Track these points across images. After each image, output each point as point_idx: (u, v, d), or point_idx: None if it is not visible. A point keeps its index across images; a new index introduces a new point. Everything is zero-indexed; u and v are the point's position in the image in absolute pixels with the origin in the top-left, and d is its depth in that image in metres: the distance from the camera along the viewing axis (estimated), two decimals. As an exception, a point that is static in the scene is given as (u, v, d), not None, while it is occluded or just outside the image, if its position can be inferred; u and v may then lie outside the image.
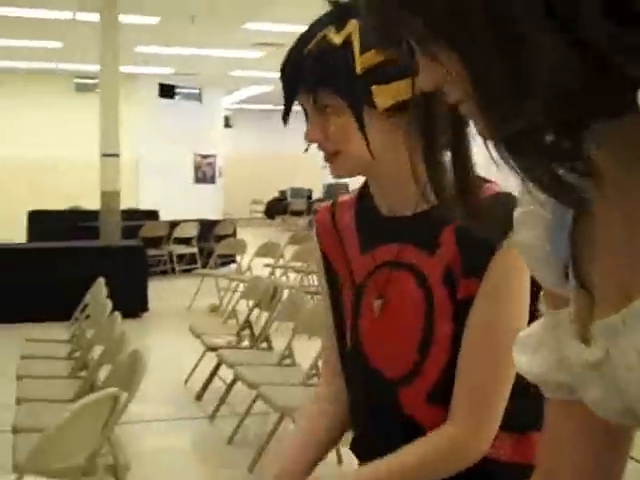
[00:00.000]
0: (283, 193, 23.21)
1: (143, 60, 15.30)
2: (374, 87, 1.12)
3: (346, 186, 22.00)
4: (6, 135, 16.66)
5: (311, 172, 23.33)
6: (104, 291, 5.46)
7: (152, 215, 13.38)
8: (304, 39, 1.15)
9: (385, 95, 1.12)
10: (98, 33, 10.70)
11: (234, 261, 10.47)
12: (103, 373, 4.28)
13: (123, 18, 10.78)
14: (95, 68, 14.42)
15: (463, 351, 1.13)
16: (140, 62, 15.32)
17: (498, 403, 1.14)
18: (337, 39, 1.12)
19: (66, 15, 11.72)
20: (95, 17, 10.70)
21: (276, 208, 22.43)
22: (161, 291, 9.16)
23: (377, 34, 0.66)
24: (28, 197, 15.31)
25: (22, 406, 4.09)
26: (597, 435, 0.75)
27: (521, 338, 0.79)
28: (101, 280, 5.78)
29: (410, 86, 1.09)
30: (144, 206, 14.72)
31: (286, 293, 5.88)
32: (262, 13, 11.55)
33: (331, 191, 21.66)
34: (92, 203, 13.00)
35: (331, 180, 21.66)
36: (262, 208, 23.58)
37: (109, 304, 4.92)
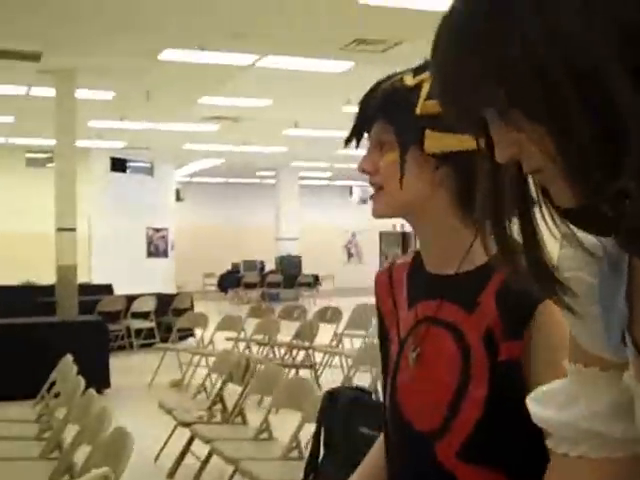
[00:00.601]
0: (236, 266, 23.16)
1: (96, 134, 15.35)
2: (427, 131, 1.20)
3: (299, 258, 22.11)
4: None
5: (263, 245, 23.44)
6: (74, 368, 5.39)
7: (106, 289, 13.22)
8: (387, 78, 1.27)
9: (435, 141, 1.20)
10: (53, 108, 10.75)
11: (192, 335, 10.40)
12: (78, 453, 4.22)
13: (78, 93, 10.86)
14: (46, 142, 14.48)
15: None
16: (93, 136, 15.37)
17: None
18: (410, 82, 1.23)
19: (20, 90, 11.73)
20: (50, 92, 10.76)
21: (229, 281, 22.34)
22: (120, 367, 9.02)
23: (451, 107, 0.68)
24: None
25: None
26: None
27: (545, 393, 0.83)
28: (69, 357, 5.71)
29: (458, 142, 1.16)
30: (97, 280, 14.56)
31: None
32: (216, 88, 11.78)
33: (284, 263, 21.67)
34: (43, 277, 12.85)
35: (283, 252, 21.74)
36: (215, 281, 23.48)
37: (82, 381, 4.86)
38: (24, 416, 5.50)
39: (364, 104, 1.27)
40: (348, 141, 1.29)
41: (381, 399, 1.43)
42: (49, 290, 10.83)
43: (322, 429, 3.76)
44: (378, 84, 1.27)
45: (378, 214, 1.27)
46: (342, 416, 3.76)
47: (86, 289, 11.36)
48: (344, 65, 10.12)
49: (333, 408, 3.82)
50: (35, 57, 9.64)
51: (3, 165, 17.10)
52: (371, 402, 4.07)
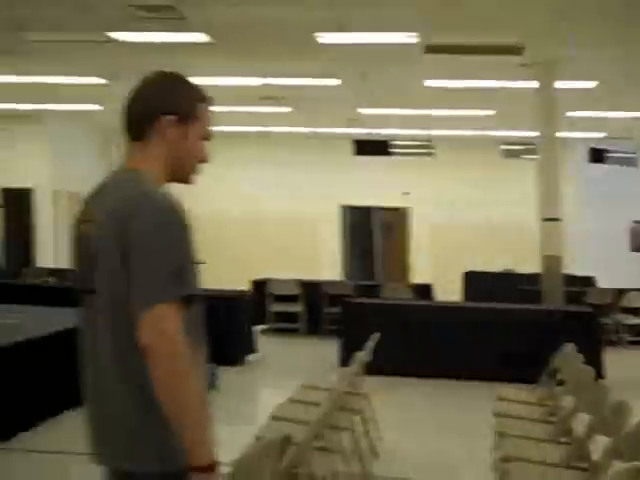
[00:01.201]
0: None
1: (570, 124, 15.10)
2: None
3: None
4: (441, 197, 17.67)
5: None
6: (578, 357, 5.29)
7: (588, 281, 12.92)
8: None
9: None
10: (532, 100, 10.74)
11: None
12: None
13: (560, 84, 10.73)
14: (520, 134, 14.74)
15: None
16: (570, 127, 15.15)
17: None
18: None
19: (503, 84, 12.00)
20: (531, 84, 10.79)
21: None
22: (610, 361, 8.65)
23: None
24: (465, 258, 16.02)
25: (511, 464, 4.12)
26: None
27: None
28: (571, 346, 5.62)
29: None
30: (578, 272, 14.21)
31: None
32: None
33: None
34: (522, 266, 13.11)
35: None
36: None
37: (590, 371, 4.73)
38: (525, 398, 5.60)
39: None
40: None
41: None
42: (530, 278, 10.96)
43: None
44: None
45: None
46: None
47: (569, 280, 11.22)
48: None
49: None
50: (517, 51, 9.73)
51: (480, 156, 17.85)
52: None
